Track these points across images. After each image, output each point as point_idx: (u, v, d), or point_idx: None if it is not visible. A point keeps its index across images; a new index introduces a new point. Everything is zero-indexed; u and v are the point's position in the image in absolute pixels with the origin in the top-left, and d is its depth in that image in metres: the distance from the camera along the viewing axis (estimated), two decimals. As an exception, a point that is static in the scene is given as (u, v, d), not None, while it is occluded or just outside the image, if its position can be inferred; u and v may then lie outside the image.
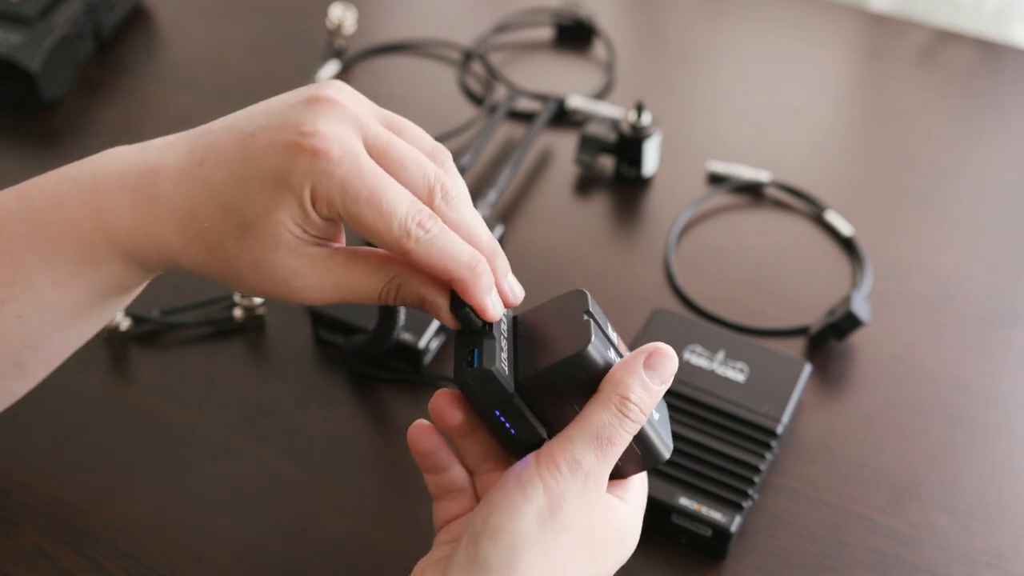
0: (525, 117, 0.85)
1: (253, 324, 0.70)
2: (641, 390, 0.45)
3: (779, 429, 0.61)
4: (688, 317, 0.69)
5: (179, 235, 0.46)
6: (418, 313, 0.66)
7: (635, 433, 0.46)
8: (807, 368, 0.64)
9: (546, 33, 0.94)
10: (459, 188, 0.48)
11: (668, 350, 0.46)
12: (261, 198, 0.44)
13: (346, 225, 0.45)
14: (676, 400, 0.62)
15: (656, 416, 0.47)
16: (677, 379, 0.62)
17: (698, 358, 0.64)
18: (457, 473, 0.51)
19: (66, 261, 0.47)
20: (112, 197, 0.46)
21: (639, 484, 0.49)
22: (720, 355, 0.64)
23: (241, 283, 0.47)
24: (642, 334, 0.65)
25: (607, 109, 0.84)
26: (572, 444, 0.45)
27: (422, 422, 0.50)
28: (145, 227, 0.46)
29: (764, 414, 0.61)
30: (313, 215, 0.44)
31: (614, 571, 0.47)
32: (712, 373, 0.63)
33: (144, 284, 0.50)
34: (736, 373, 0.63)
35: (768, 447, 0.60)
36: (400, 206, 0.44)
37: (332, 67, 0.89)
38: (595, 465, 0.45)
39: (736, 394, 0.62)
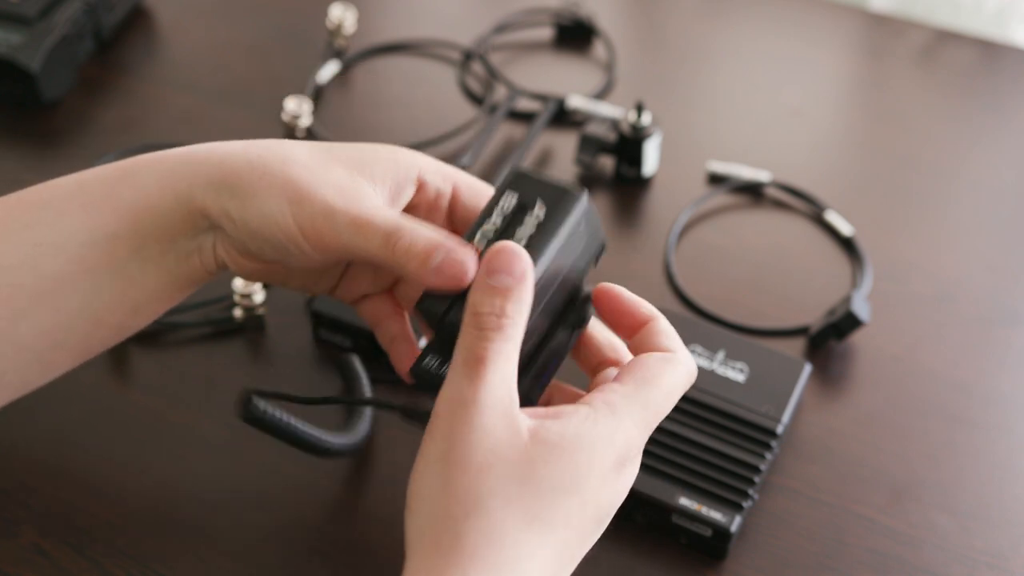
0: (525, 117, 0.85)
1: (253, 324, 0.70)
2: (489, 298, 0.44)
3: (779, 429, 0.61)
4: (688, 317, 0.69)
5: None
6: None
7: (507, 341, 0.44)
8: (807, 368, 0.64)
9: (546, 33, 0.94)
10: None
11: (507, 245, 0.45)
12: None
13: None
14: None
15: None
16: None
17: (698, 358, 0.64)
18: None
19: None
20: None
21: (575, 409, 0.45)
22: (720, 355, 0.64)
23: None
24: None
25: (607, 109, 0.84)
26: (447, 383, 0.44)
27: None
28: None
29: (764, 414, 0.61)
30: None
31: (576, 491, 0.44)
32: (712, 373, 0.63)
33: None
34: (736, 373, 0.63)
35: (768, 447, 0.60)
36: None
37: (332, 67, 0.89)
38: (468, 390, 0.43)
39: (736, 394, 0.62)
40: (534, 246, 0.46)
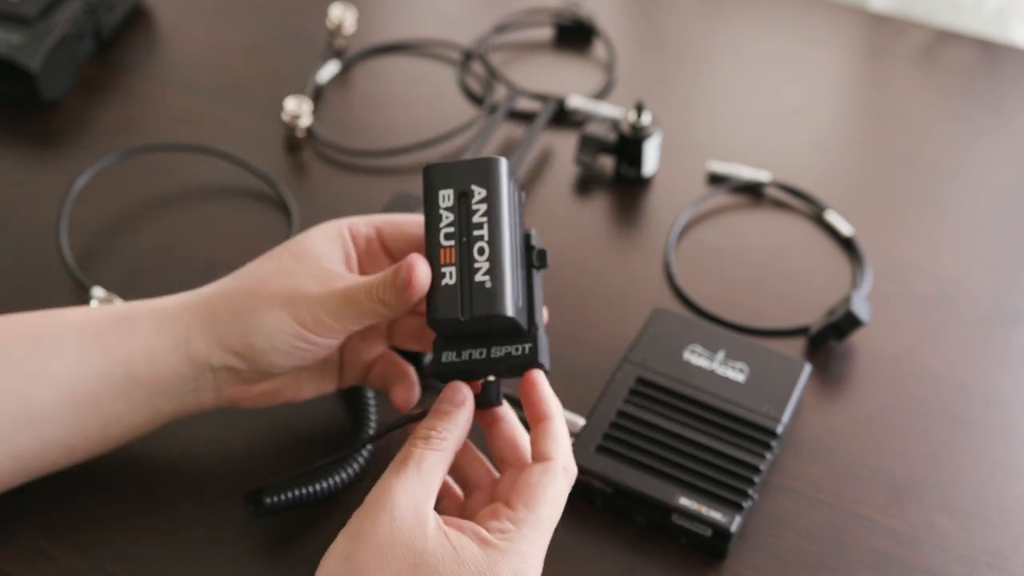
0: (525, 117, 0.85)
1: (253, 324, 0.70)
2: (432, 419, 0.51)
3: (779, 429, 0.61)
4: (688, 317, 0.69)
5: None
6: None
7: (433, 451, 0.50)
8: (807, 368, 0.64)
9: (546, 33, 0.94)
10: None
11: (452, 384, 0.53)
12: None
13: None
14: (677, 400, 0.62)
15: None
16: (677, 379, 0.63)
17: (698, 358, 0.64)
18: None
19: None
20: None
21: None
22: (720, 355, 0.64)
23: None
24: (642, 334, 0.65)
25: (607, 109, 0.84)
26: (379, 480, 0.50)
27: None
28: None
29: (764, 414, 0.61)
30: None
31: None
32: (712, 373, 0.63)
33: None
34: (736, 373, 0.63)
35: (768, 447, 0.60)
36: None
37: (332, 67, 0.89)
38: (389, 481, 0.49)
39: (736, 394, 0.62)
40: (494, 223, 0.50)
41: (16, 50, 0.82)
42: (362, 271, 0.57)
